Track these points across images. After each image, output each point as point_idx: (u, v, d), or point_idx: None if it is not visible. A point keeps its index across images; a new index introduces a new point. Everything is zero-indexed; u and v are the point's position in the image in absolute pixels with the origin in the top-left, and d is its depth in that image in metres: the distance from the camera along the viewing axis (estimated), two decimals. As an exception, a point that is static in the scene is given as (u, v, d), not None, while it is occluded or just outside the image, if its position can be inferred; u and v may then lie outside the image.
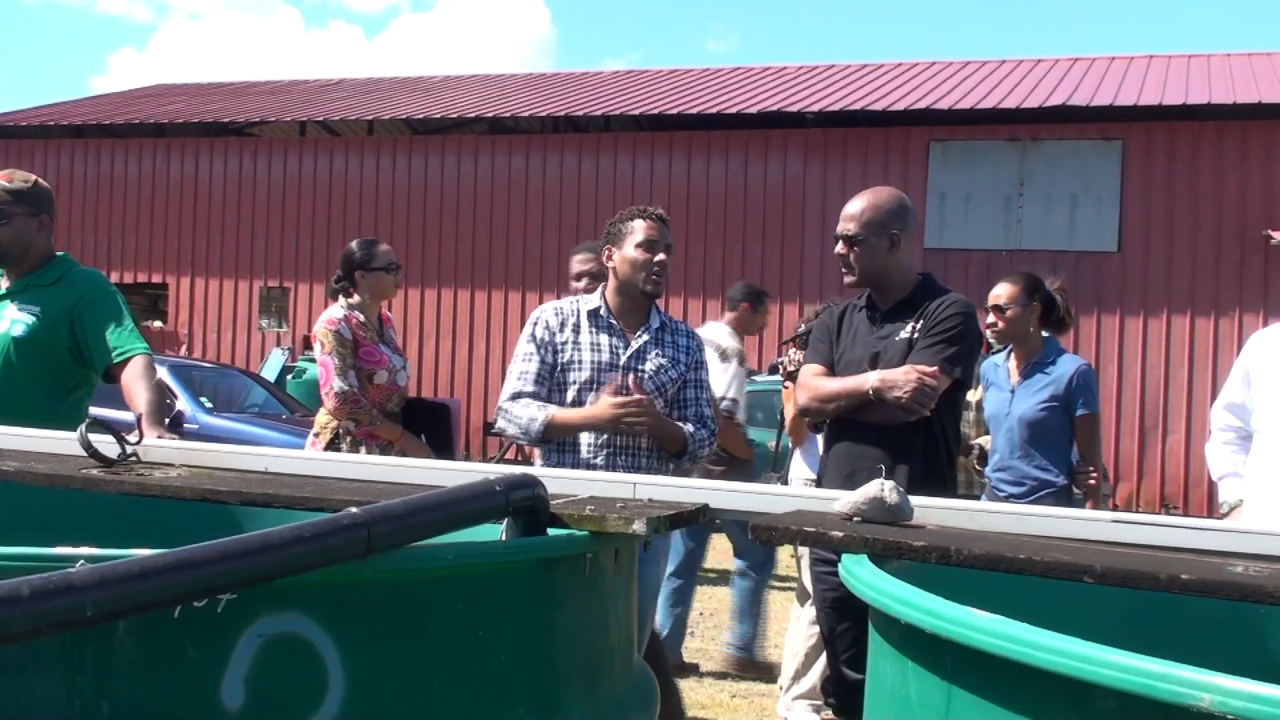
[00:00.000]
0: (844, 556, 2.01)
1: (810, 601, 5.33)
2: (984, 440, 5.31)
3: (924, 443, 3.52)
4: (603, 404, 3.63)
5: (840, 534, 2.06)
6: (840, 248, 3.67)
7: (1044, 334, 5.07)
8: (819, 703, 5.20)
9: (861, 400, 3.51)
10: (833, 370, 3.69)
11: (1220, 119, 16.37)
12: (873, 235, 3.61)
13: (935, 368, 3.45)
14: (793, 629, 5.43)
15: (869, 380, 3.49)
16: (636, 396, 3.60)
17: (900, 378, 3.44)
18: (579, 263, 4.91)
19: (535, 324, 3.81)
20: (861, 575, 1.87)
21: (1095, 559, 1.89)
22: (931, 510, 2.30)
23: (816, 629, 5.22)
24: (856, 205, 3.68)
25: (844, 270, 3.70)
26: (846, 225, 3.65)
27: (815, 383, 3.68)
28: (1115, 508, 14.00)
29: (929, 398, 3.43)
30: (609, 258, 3.85)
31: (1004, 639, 1.46)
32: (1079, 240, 16.71)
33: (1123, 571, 1.83)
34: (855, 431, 3.58)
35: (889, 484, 2.20)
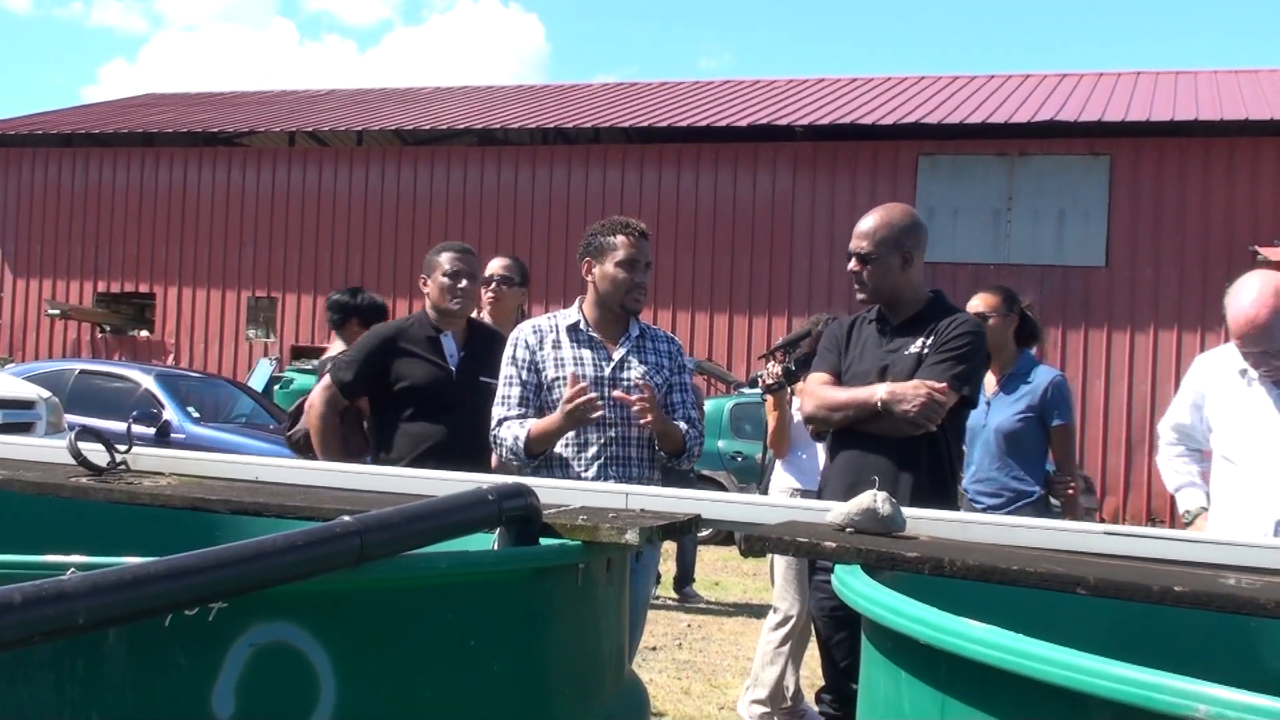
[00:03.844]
0: (837, 567, 2.01)
1: (773, 609, 5.35)
2: None
3: (929, 456, 3.53)
4: (559, 409, 3.62)
5: (833, 544, 2.06)
6: (853, 264, 3.67)
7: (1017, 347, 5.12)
8: (768, 710, 5.22)
9: (869, 411, 3.51)
10: (840, 380, 3.70)
11: (1207, 135, 16.45)
12: (886, 253, 3.62)
13: (945, 384, 3.46)
14: (761, 635, 5.45)
15: (878, 392, 3.49)
16: (581, 387, 3.56)
17: (910, 391, 3.44)
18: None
19: (515, 345, 3.78)
20: (855, 586, 1.86)
21: (1088, 571, 1.90)
22: (923, 521, 2.30)
23: (779, 635, 5.25)
24: (870, 222, 3.67)
25: (857, 287, 3.71)
26: (860, 243, 3.65)
27: (823, 391, 3.68)
28: (1102, 521, 14.02)
29: (937, 413, 3.44)
30: (588, 270, 3.81)
31: (999, 650, 1.46)
32: (1067, 255, 16.77)
33: (1116, 583, 1.83)
34: (860, 442, 3.58)
35: (881, 495, 2.21)
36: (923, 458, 3.52)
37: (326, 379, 4.54)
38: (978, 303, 5.07)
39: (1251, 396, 3.57)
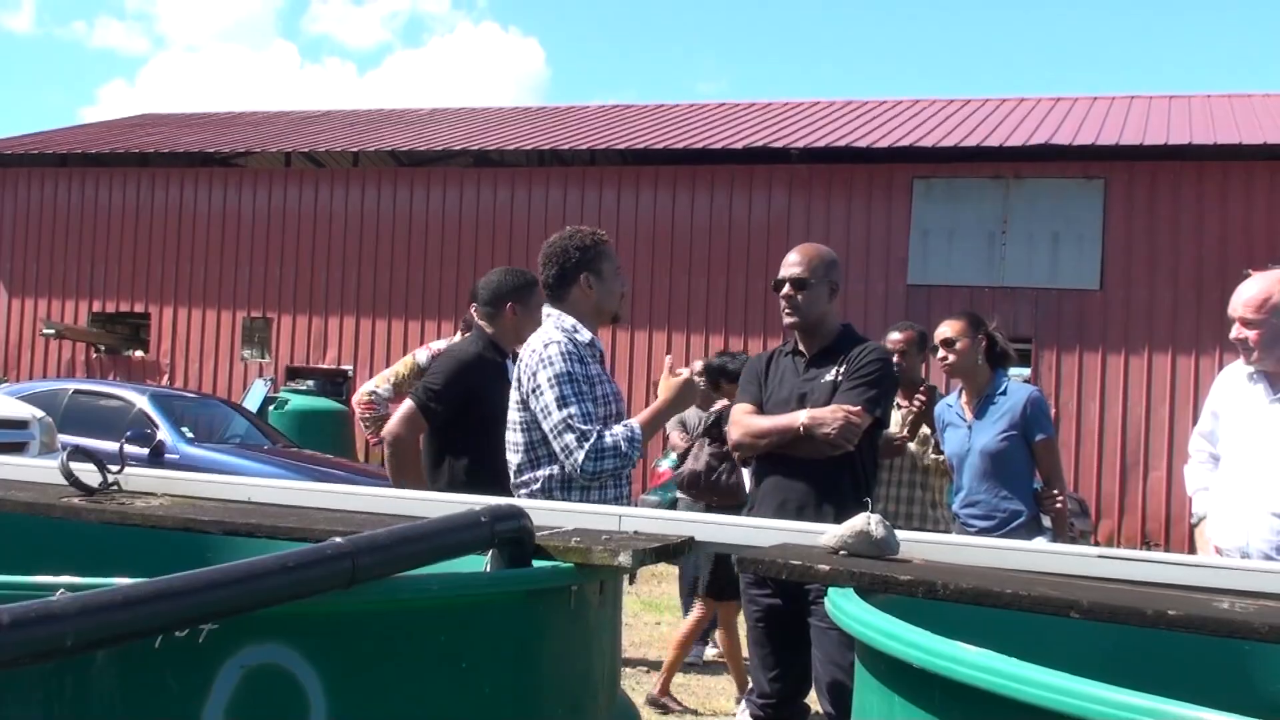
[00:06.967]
0: (830, 590, 2.00)
1: None
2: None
3: (849, 474, 3.78)
4: (672, 383, 3.76)
5: (827, 567, 2.05)
6: (788, 290, 3.95)
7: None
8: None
9: (792, 436, 3.75)
10: (762, 409, 3.94)
11: (1201, 159, 16.50)
12: (819, 282, 3.93)
13: (860, 407, 3.72)
14: None
15: (799, 418, 3.75)
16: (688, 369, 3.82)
17: (828, 415, 3.71)
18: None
19: (567, 359, 3.53)
20: (848, 609, 1.86)
21: (1082, 594, 1.89)
22: (917, 544, 2.30)
23: None
24: (802, 254, 3.99)
25: (788, 311, 3.97)
26: (794, 269, 3.94)
27: (747, 420, 3.91)
28: (1097, 544, 14.00)
29: (854, 434, 3.71)
30: (589, 285, 3.69)
31: (993, 673, 1.45)
32: (1061, 278, 16.78)
33: (1110, 607, 1.83)
34: (785, 466, 3.81)
35: (875, 517, 2.20)
36: (844, 476, 3.77)
37: (410, 405, 4.41)
38: (945, 329, 5.11)
39: (1250, 393, 3.73)
